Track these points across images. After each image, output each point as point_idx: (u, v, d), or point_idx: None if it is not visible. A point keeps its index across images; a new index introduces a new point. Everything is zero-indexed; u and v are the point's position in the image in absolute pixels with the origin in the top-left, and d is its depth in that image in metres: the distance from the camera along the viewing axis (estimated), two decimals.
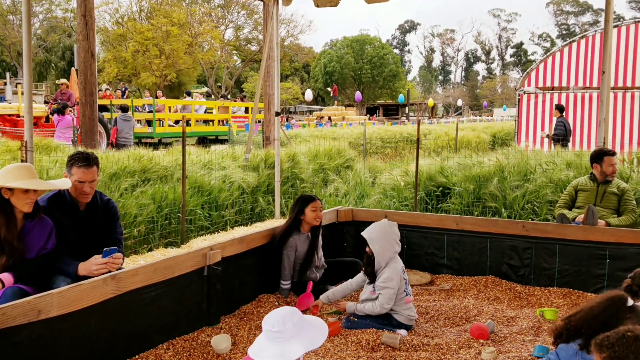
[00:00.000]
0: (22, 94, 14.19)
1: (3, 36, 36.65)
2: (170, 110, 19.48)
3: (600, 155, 5.57)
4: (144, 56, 32.85)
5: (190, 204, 6.90)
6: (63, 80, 17.42)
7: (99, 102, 19.43)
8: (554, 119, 11.88)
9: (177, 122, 19.02)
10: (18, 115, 14.48)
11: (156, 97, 21.76)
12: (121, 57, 33.41)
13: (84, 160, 3.78)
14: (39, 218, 3.60)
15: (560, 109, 11.80)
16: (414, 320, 4.03)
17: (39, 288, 3.40)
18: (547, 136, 11.98)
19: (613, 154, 5.59)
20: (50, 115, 15.29)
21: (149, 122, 18.27)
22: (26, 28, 4.72)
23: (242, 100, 25.01)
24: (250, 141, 9.10)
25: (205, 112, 20.87)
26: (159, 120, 18.26)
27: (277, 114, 8.24)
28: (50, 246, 3.63)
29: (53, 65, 45.52)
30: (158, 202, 6.59)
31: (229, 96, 25.83)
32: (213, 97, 41.31)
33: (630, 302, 2.66)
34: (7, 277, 3.36)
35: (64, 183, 3.75)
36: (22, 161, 4.66)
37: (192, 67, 37.14)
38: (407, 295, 4.03)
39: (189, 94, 25.13)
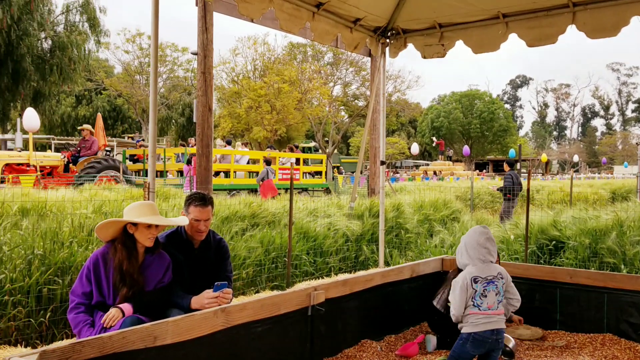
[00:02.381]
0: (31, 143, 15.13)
1: (130, 94, 40.11)
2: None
3: None
4: (256, 112, 34.51)
5: (296, 249, 7.08)
6: (86, 126, 16.31)
7: (129, 151, 20.34)
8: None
9: (217, 173, 17.64)
10: (28, 165, 14.60)
11: (292, 151, 21.84)
12: (235, 113, 35.31)
13: (201, 199, 4.06)
14: (158, 253, 3.88)
15: (510, 163, 13.16)
16: (489, 338, 3.88)
17: (155, 319, 3.62)
18: (499, 189, 12.97)
19: None
20: (70, 164, 15.34)
21: (180, 173, 17.61)
22: (153, 87, 5.16)
23: (291, 150, 22.55)
24: (355, 190, 9.24)
25: (248, 162, 19.46)
26: None
27: (382, 162, 8.33)
28: (167, 280, 3.88)
29: (173, 121, 48.96)
30: (266, 246, 6.83)
31: (294, 147, 24.00)
32: (320, 151, 42.47)
33: None
34: (127, 307, 3.62)
35: (182, 220, 4.03)
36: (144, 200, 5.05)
37: (301, 122, 38.43)
38: (474, 306, 3.92)
39: (229, 142, 23.06)
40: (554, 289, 5.01)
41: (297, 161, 20.86)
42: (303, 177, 21.27)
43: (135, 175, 16.81)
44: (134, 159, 20.19)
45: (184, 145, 20.71)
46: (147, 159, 17.21)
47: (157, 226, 3.77)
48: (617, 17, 5.37)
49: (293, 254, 6.97)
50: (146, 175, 15.31)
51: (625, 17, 5.33)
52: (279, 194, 15.07)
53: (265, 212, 7.88)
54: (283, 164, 20.15)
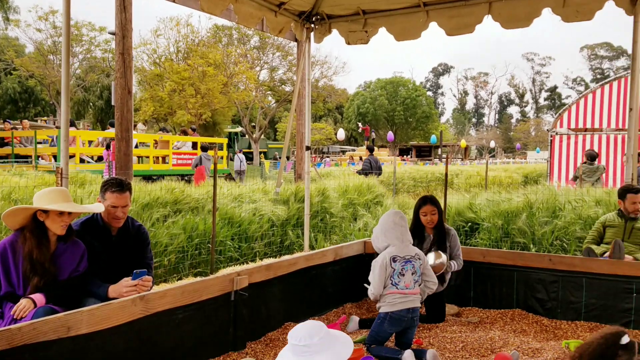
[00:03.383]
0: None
1: (43, 75, 38.08)
2: (90, 145, 16.18)
3: (624, 193, 5.59)
4: (180, 95, 33.72)
5: (221, 235, 7.02)
6: None
7: None
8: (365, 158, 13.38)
9: (100, 159, 15.62)
10: None
11: (185, 134, 19.26)
12: (158, 97, 34.34)
13: (118, 185, 3.94)
14: (71, 241, 3.74)
15: (370, 149, 14.34)
16: (405, 316, 4.05)
17: (70, 309, 3.51)
18: (358, 172, 13.81)
19: (636, 191, 5.55)
20: None
21: (55, 157, 15.04)
22: (65, 67, 4.94)
23: (185, 133, 19.60)
24: (280, 175, 9.25)
25: (136, 146, 16.75)
26: (72, 156, 14.26)
27: (308, 147, 8.38)
28: (82, 269, 3.75)
29: (91, 104, 47.01)
30: (189, 232, 6.73)
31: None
32: (247, 136, 42.10)
33: (626, 339, 2.70)
34: (39, 298, 3.48)
35: (98, 207, 3.90)
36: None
37: (227, 106, 37.91)
38: (392, 285, 4.09)
39: (112, 124, 18.62)
40: (469, 268, 5.23)
41: (194, 145, 18.57)
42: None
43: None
44: (3, 142, 16.81)
45: (185, 133, 19.14)
46: (17, 142, 15.51)
47: (69, 213, 3.63)
48: (530, 9, 5.65)
49: (217, 240, 6.91)
50: (13, 160, 14.23)
51: (537, 9, 5.62)
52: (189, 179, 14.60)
53: (189, 198, 7.74)
54: (178, 148, 18.05)
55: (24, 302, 3.40)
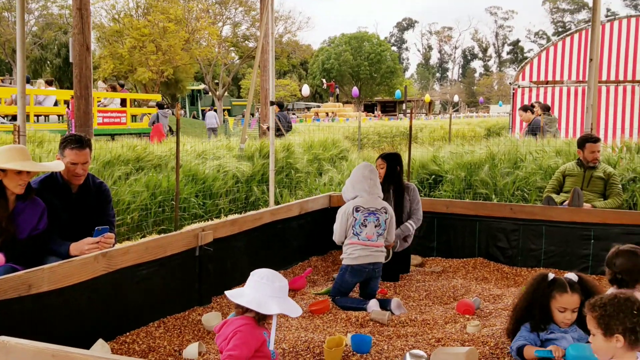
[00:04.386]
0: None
1: None
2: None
3: (583, 142, 5.69)
4: (140, 52, 32.79)
5: (184, 192, 6.95)
6: None
7: None
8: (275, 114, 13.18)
9: (14, 118, 13.87)
10: None
11: (115, 90, 17.80)
12: (117, 54, 33.33)
13: (77, 142, 3.83)
14: (31, 200, 3.65)
15: (279, 105, 13.49)
16: (366, 268, 4.11)
17: (31, 268, 3.45)
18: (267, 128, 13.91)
19: (595, 140, 5.67)
20: None
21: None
22: (20, 25, 4.73)
23: (114, 89, 18.09)
24: (244, 131, 9.16)
25: (56, 104, 15.57)
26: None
27: (272, 103, 8.28)
28: (42, 227, 3.68)
29: (48, 62, 45.42)
30: (152, 189, 6.64)
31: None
32: (210, 93, 41.38)
33: (552, 275, 2.94)
34: None
35: (57, 165, 3.80)
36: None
37: (189, 63, 37.03)
38: (354, 235, 4.16)
39: (28, 80, 16.55)
40: (432, 220, 5.32)
41: (123, 102, 17.11)
42: (131, 121, 17.62)
43: None
44: None
45: (114, 89, 17.73)
46: None
47: (28, 172, 3.53)
48: None
49: (181, 197, 6.85)
50: None
51: None
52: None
53: (151, 155, 7.62)
54: (105, 105, 16.62)
55: None
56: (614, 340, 2.16)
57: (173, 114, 13.69)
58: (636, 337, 2.15)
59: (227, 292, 2.68)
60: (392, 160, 4.89)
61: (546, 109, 10.79)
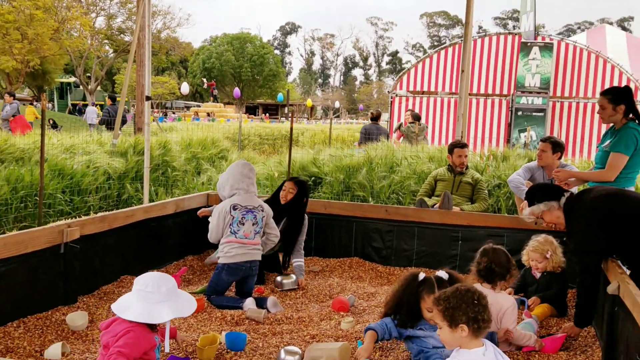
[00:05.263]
0: None
1: None
2: None
3: (452, 147, 6.05)
4: (3, 39, 30.22)
5: (50, 188, 6.47)
6: None
7: None
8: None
9: None
10: None
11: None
12: None
13: None
14: None
15: (112, 98, 14.83)
16: (242, 266, 4.07)
17: None
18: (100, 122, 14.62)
19: (462, 146, 6.03)
20: None
21: None
22: None
23: None
24: (117, 126, 8.72)
25: None
26: None
27: (148, 98, 7.95)
28: None
29: None
30: (13, 184, 6.12)
31: None
32: (81, 87, 39.04)
33: (422, 275, 3.07)
34: None
35: None
36: None
37: (58, 54, 34.68)
38: (231, 233, 4.11)
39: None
40: (311, 220, 5.36)
41: None
42: None
43: None
44: None
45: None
46: None
47: None
48: None
49: (46, 193, 6.37)
50: None
51: None
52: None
53: (13, 147, 7.03)
54: None
55: None
56: (459, 331, 2.29)
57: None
58: (479, 325, 2.28)
59: (112, 306, 2.53)
60: (303, 190, 4.86)
61: (417, 117, 11.36)
